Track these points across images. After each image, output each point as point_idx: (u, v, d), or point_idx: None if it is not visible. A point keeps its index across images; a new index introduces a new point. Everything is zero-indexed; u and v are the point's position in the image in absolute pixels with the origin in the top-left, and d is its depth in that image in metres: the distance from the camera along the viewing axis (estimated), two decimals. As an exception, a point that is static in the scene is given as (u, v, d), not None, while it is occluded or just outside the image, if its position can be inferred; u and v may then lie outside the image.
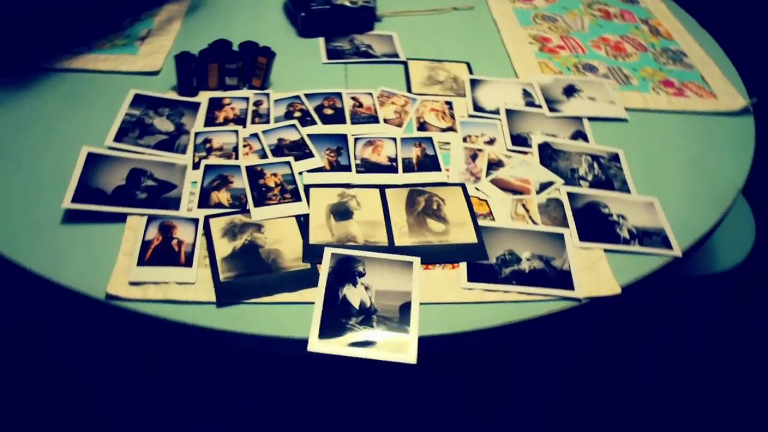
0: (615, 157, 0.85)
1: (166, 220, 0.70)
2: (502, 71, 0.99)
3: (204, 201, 0.73)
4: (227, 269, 0.66)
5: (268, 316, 0.63)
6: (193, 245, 0.68)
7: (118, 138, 0.79)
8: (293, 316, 0.63)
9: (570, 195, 0.78)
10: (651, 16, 1.16)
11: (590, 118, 0.91)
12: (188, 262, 0.66)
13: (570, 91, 0.96)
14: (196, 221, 0.70)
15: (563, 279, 0.69)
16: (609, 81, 0.99)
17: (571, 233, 0.74)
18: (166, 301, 0.63)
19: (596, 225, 0.75)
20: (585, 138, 0.88)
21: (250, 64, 0.89)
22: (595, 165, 0.84)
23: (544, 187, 0.79)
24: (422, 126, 0.87)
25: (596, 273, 0.70)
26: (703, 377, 1.33)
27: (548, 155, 0.84)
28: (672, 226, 0.76)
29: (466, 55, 1.02)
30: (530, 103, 0.93)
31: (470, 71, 0.99)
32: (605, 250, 0.73)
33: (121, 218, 0.70)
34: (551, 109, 0.92)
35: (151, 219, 0.70)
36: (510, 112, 0.90)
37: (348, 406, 1.18)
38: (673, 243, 0.74)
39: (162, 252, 0.67)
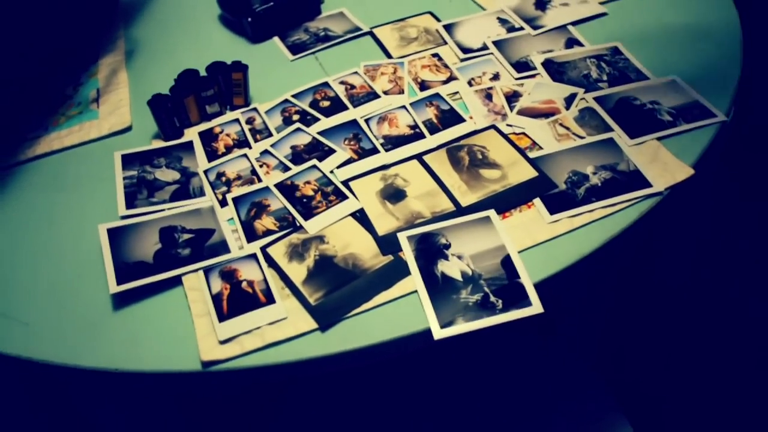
0: (616, 51, 0.83)
1: (223, 266, 0.64)
2: (467, 8, 0.96)
3: (251, 234, 0.67)
4: (313, 291, 0.61)
5: (379, 322, 0.58)
6: (265, 281, 0.62)
7: (129, 204, 0.72)
8: (403, 311, 0.59)
9: (598, 99, 0.76)
10: None
11: (573, 23, 0.89)
12: (270, 300, 0.60)
13: (541, 4, 0.93)
14: (254, 257, 0.64)
15: (637, 179, 0.66)
16: (571, -17, 0.97)
17: (619, 134, 0.72)
18: (267, 347, 0.58)
19: (637, 118, 0.73)
20: (579, 43, 0.86)
21: (226, 84, 0.82)
22: (603, 64, 0.82)
23: (570, 101, 0.77)
24: (423, 85, 0.83)
25: (662, 163, 0.68)
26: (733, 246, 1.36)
27: (555, 71, 0.81)
28: (702, 94, 0.75)
29: (424, 5, 0.98)
30: (511, 29, 0.90)
31: (437, 19, 0.95)
32: (658, 139, 0.71)
33: (176, 282, 0.64)
34: (534, 27, 0.89)
35: (207, 272, 0.64)
36: (498, 44, 0.87)
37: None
38: (713, 109, 0.73)
39: (238, 299, 0.61)
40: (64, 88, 0.92)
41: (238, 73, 0.82)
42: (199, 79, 0.82)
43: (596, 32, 0.88)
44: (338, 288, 0.61)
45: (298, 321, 0.59)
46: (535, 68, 0.82)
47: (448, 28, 0.92)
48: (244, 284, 0.62)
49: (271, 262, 0.64)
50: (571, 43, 0.86)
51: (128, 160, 0.78)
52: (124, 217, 0.71)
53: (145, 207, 0.71)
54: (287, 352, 0.57)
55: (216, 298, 0.61)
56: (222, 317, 0.60)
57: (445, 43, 0.89)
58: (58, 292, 0.65)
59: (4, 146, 0.83)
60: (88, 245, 0.68)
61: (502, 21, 0.91)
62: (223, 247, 0.66)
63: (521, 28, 0.89)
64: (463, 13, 0.95)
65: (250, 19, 0.95)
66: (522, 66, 0.83)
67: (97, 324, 0.62)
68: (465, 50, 0.87)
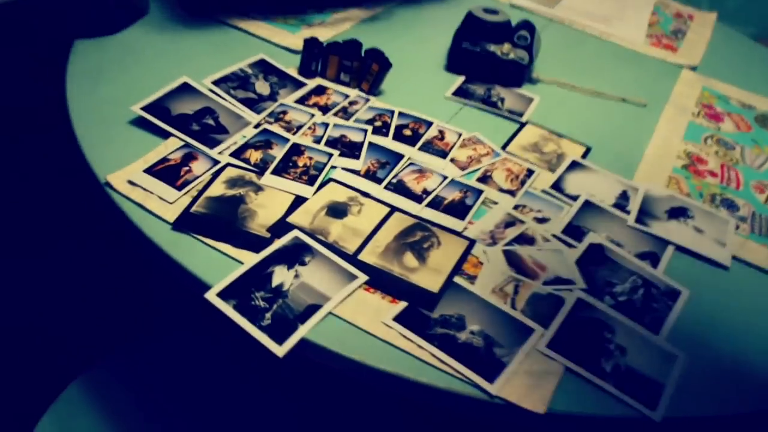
0: (673, 295, 0.72)
1: (195, 151, 0.80)
2: (621, 170, 0.90)
3: (238, 152, 0.81)
4: (202, 205, 0.73)
5: (202, 255, 0.68)
6: (196, 177, 0.76)
7: (217, 82, 0.92)
8: (222, 268, 0.67)
9: (579, 303, 0.69)
10: None
11: (679, 248, 0.79)
12: (181, 187, 0.74)
13: (677, 213, 0.83)
14: (216, 162, 0.79)
15: (491, 367, 0.61)
16: (741, 224, 0.84)
17: (543, 335, 0.65)
18: (141, 207, 0.72)
19: (581, 342, 0.65)
20: (655, 262, 0.76)
21: (366, 68, 0.96)
22: (641, 291, 0.72)
23: (556, 282, 0.71)
24: (483, 178, 0.84)
25: (535, 382, 0.61)
26: None
27: (594, 258, 0.75)
28: (682, 389, 0.62)
29: (595, 142, 0.95)
30: (619, 206, 0.83)
31: (584, 155, 0.92)
32: (567, 368, 0.63)
33: (168, 136, 0.82)
34: (638, 220, 0.81)
35: (185, 146, 0.80)
36: (588, 204, 0.82)
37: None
38: (662, 404, 0.61)
39: (170, 171, 0.76)
40: (307, 8, 1.16)
41: (377, 65, 0.94)
42: (352, 51, 0.97)
43: (690, 270, 0.76)
44: (216, 218, 0.71)
45: (171, 211, 0.72)
46: (580, 242, 0.77)
47: (576, 164, 0.89)
48: (185, 168, 0.77)
49: (216, 175, 0.77)
50: (649, 256, 0.77)
51: (260, 64, 0.98)
52: (208, 89, 0.91)
53: (222, 91, 0.91)
54: (141, 219, 0.71)
55: (164, 160, 0.78)
56: (148, 171, 0.76)
57: (552, 170, 0.87)
58: (129, 95, 0.88)
59: (234, 10, 1.10)
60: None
61: (624, 195, 0.85)
62: (214, 143, 0.82)
63: (627, 212, 0.82)
64: (610, 166, 0.90)
65: (451, 50, 1.05)
66: (576, 232, 0.78)
67: (114, 123, 0.84)
68: (557, 187, 0.84)
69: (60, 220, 1.36)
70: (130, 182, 0.74)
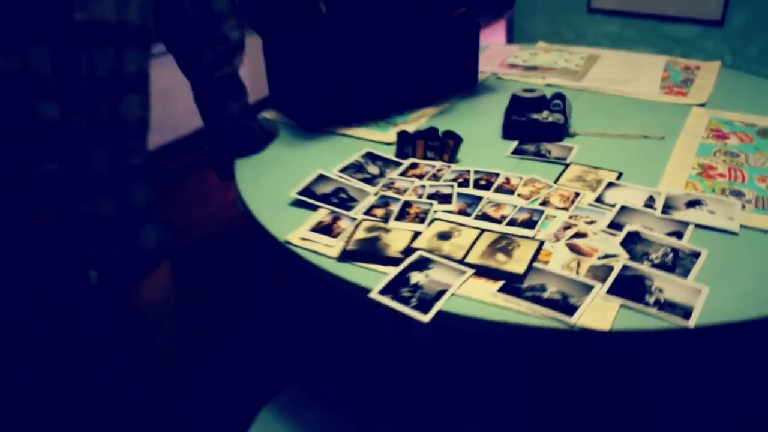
0: (696, 255, 1.02)
1: (339, 215, 1.17)
2: (647, 184, 1.22)
3: (368, 212, 1.18)
4: (353, 244, 1.09)
5: (360, 274, 1.03)
6: (343, 230, 1.13)
7: (341, 170, 1.31)
8: (373, 277, 1.01)
9: (624, 267, 0.99)
10: None
11: (698, 226, 1.08)
12: (335, 237, 1.11)
13: (693, 203, 1.14)
14: (355, 220, 1.16)
15: (569, 309, 0.92)
16: (747, 205, 1.13)
17: (602, 287, 0.96)
18: (312, 251, 1.09)
19: (630, 288, 0.95)
20: (680, 237, 1.06)
21: (444, 144, 1.33)
22: (671, 255, 1.02)
23: (607, 256, 1.02)
24: (544, 203, 1.17)
25: (600, 314, 0.91)
26: None
27: (632, 240, 1.06)
28: (707, 311, 0.91)
29: (626, 169, 1.27)
30: (648, 206, 1.14)
31: (618, 179, 1.24)
32: (621, 305, 0.92)
33: (316, 209, 1.20)
34: (663, 212, 1.12)
35: (332, 213, 1.18)
36: (624, 207, 1.14)
37: None
38: (693, 317, 0.89)
39: (326, 228, 1.13)
40: (392, 112, 1.57)
41: (452, 140, 1.32)
42: (432, 134, 1.35)
43: (708, 239, 1.05)
44: (364, 250, 1.07)
45: (333, 251, 1.08)
46: (620, 232, 1.08)
47: (611, 184, 1.21)
48: (335, 225, 1.14)
49: (356, 227, 1.14)
50: (675, 234, 1.07)
51: (367, 155, 1.37)
52: (336, 174, 1.30)
53: (346, 175, 1.29)
54: (315, 259, 1.07)
55: (320, 222, 1.15)
56: (312, 229, 1.13)
57: (594, 191, 1.20)
58: (288, 184, 1.28)
59: (338, 120, 1.52)
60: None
61: (651, 198, 1.16)
62: (349, 209, 1.19)
63: (654, 209, 1.13)
64: (639, 182, 1.22)
65: (504, 123, 1.42)
66: (617, 226, 1.09)
67: (280, 202, 1.23)
68: (599, 201, 1.17)
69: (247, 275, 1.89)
70: (302, 238, 1.12)
